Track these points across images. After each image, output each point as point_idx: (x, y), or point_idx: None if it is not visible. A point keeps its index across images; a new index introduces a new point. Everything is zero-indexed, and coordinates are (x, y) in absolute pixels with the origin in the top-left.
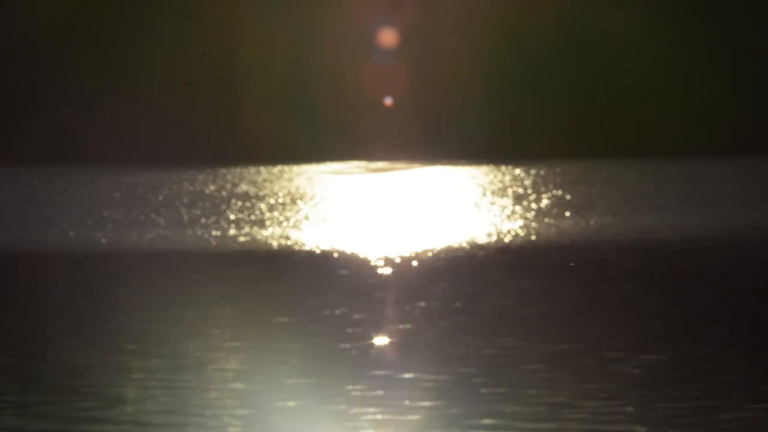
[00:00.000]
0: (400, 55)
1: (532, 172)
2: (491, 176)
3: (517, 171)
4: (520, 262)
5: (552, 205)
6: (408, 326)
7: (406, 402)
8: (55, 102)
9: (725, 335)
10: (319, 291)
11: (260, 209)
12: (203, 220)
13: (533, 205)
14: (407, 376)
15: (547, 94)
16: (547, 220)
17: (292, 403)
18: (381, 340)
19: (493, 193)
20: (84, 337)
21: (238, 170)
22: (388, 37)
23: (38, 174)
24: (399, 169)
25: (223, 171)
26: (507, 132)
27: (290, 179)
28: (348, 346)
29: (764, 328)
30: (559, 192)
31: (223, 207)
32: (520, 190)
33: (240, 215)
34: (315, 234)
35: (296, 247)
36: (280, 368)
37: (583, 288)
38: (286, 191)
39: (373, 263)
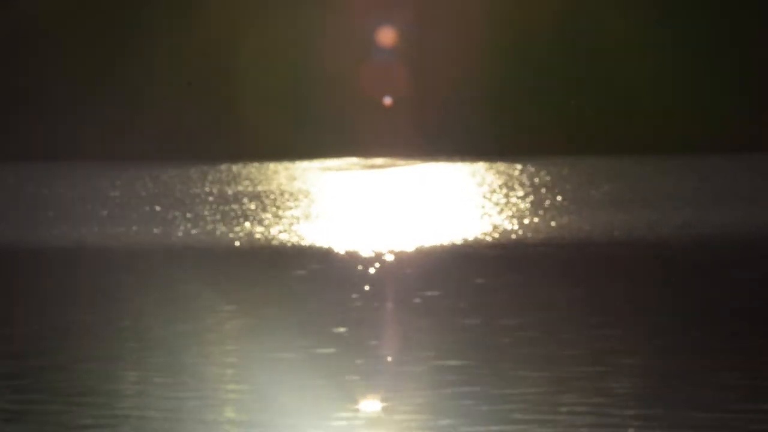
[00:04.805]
0: (399, 54)
1: (531, 168)
2: (489, 173)
3: (515, 168)
4: (516, 258)
5: (551, 203)
6: (407, 324)
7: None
8: (55, 101)
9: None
10: (316, 290)
11: (258, 206)
12: (200, 218)
13: (530, 203)
14: (406, 374)
15: (545, 92)
16: (545, 217)
17: (293, 406)
18: (378, 340)
19: (491, 189)
20: (83, 337)
21: (236, 167)
22: (387, 36)
23: (35, 171)
24: (397, 165)
25: (222, 168)
26: (505, 130)
27: (289, 176)
28: (345, 346)
29: None
30: (558, 189)
31: (222, 204)
32: (517, 187)
33: (237, 212)
34: (313, 231)
35: (294, 245)
36: (281, 370)
37: (583, 286)
38: (284, 188)
39: (369, 260)
